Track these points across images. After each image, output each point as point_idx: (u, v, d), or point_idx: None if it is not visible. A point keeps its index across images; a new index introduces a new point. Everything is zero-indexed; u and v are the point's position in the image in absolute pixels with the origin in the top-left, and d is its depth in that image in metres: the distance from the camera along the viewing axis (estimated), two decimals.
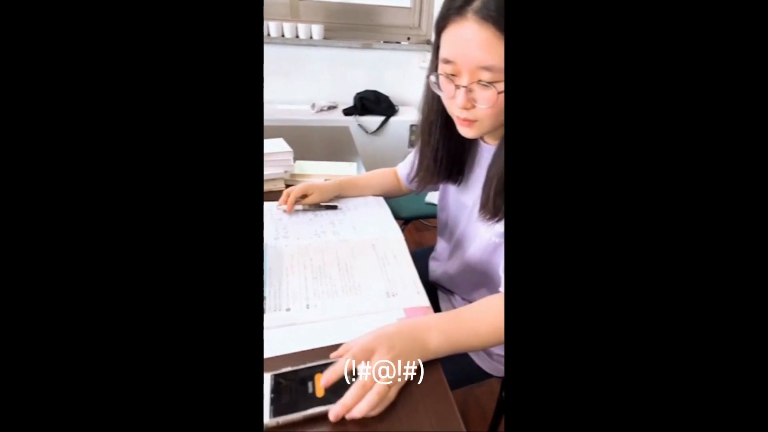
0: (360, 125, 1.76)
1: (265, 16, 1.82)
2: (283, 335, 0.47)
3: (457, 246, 0.72)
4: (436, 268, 0.81)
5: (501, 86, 0.45)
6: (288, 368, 0.41)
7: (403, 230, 1.31)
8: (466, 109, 0.48)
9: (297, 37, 1.80)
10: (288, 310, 0.51)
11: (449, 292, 0.77)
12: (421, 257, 0.86)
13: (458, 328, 0.48)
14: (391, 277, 0.58)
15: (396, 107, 1.86)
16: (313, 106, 1.80)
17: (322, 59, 1.87)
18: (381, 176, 0.84)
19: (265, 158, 0.85)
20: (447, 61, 0.47)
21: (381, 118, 1.78)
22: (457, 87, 0.47)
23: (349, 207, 0.78)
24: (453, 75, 0.47)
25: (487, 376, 0.67)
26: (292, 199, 0.72)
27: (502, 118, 0.48)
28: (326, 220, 0.72)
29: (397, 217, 1.32)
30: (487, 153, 0.60)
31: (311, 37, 1.81)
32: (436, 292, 0.81)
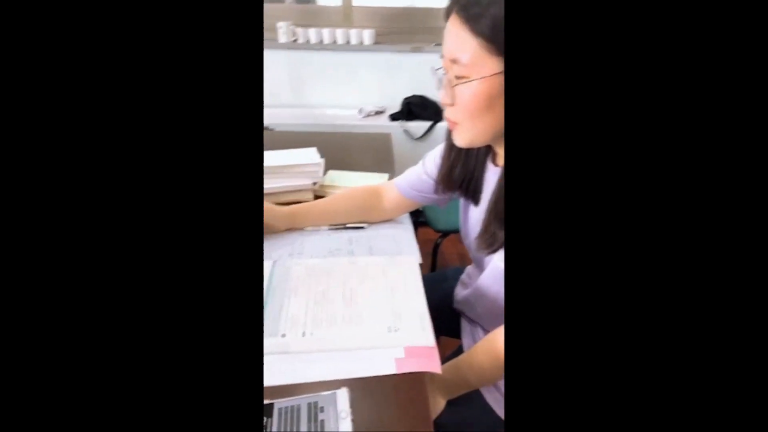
0: (406, 131, 1.72)
1: (318, 23, 1.86)
2: (273, 364, 0.46)
3: (476, 270, 0.66)
4: (459, 292, 0.75)
5: (472, 85, 0.44)
6: (270, 400, 0.39)
7: (439, 243, 1.28)
8: (446, 105, 0.48)
9: (348, 43, 1.81)
10: (283, 336, 0.49)
11: (473, 321, 0.71)
12: (451, 278, 0.81)
13: (459, 381, 0.47)
14: (397, 309, 0.53)
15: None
16: (360, 111, 1.80)
17: (371, 64, 1.86)
18: (348, 199, 0.73)
19: (293, 170, 0.85)
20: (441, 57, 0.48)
21: (427, 124, 1.72)
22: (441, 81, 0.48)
23: (373, 224, 0.75)
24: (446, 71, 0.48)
25: None
26: None
27: (480, 125, 0.47)
28: (344, 238, 0.70)
29: (434, 229, 1.28)
30: (492, 175, 0.54)
31: (362, 43, 1.81)
32: (459, 320, 0.75)
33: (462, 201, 0.64)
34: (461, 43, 0.43)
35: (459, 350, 0.72)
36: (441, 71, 0.48)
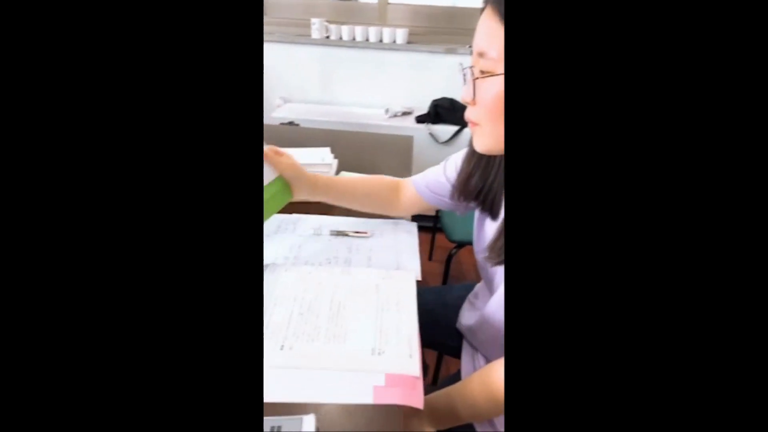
0: (431, 134, 1.67)
1: (353, 20, 1.84)
2: None
3: (484, 289, 0.61)
4: (464, 312, 0.70)
5: (496, 81, 0.42)
6: None
7: (453, 254, 1.22)
8: (467, 102, 0.45)
9: (381, 41, 1.78)
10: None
11: (474, 348, 0.65)
12: (458, 294, 0.76)
13: (449, 412, 0.47)
14: (385, 329, 0.49)
15: None
16: (386, 111, 1.77)
17: (403, 63, 1.82)
18: (367, 186, 0.69)
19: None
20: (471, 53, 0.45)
21: (454, 128, 1.66)
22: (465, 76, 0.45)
23: (377, 231, 0.71)
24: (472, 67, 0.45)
25: None
26: (270, 154, 0.61)
27: (501, 129, 0.43)
28: (344, 245, 0.67)
29: (449, 239, 1.22)
30: None
31: (394, 41, 1.77)
32: (462, 340, 0.70)
33: (477, 212, 0.59)
34: (492, 35, 0.41)
35: (457, 375, 0.67)
36: (468, 69, 0.45)
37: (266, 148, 0.61)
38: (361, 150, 1.16)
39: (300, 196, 0.64)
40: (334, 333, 0.48)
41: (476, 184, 0.56)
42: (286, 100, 1.97)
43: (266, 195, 0.58)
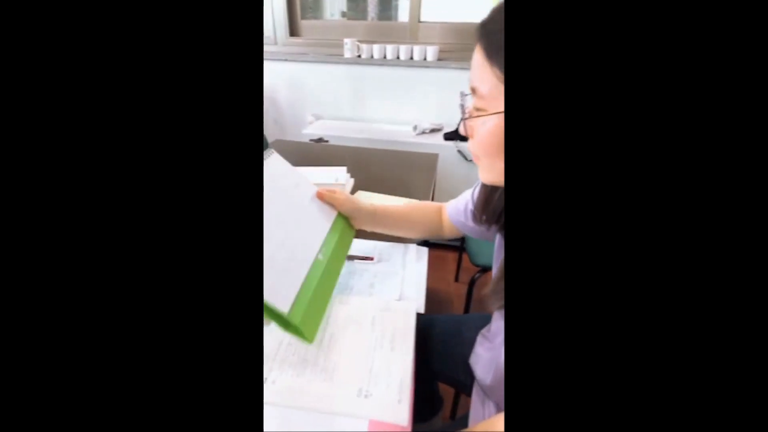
0: (459, 151, 1.62)
1: (386, 39, 1.85)
2: None
3: (498, 325, 0.56)
4: (477, 347, 0.64)
5: (488, 120, 0.39)
6: None
7: (476, 279, 1.15)
8: (466, 135, 0.44)
9: (411, 58, 1.77)
10: None
11: (486, 393, 0.59)
12: (475, 325, 0.70)
13: None
14: (376, 369, 0.45)
15: None
16: (414, 128, 1.75)
17: (433, 81, 1.80)
18: (422, 211, 0.69)
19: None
20: None
21: None
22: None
23: (384, 255, 0.68)
24: None
25: None
26: (325, 194, 0.63)
27: (499, 166, 0.42)
28: (347, 269, 0.64)
29: (472, 263, 1.16)
30: None
31: (425, 59, 1.76)
32: (474, 379, 0.64)
33: (498, 238, 0.55)
34: (481, 72, 0.39)
35: (464, 419, 0.61)
36: (469, 98, 0.43)
37: (319, 189, 0.63)
38: (386, 166, 1.14)
39: (360, 227, 0.65)
40: (322, 368, 0.45)
41: (496, 207, 0.52)
42: (317, 117, 2.01)
43: (335, 234, 0.59)
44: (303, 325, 0.45)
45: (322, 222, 0.60)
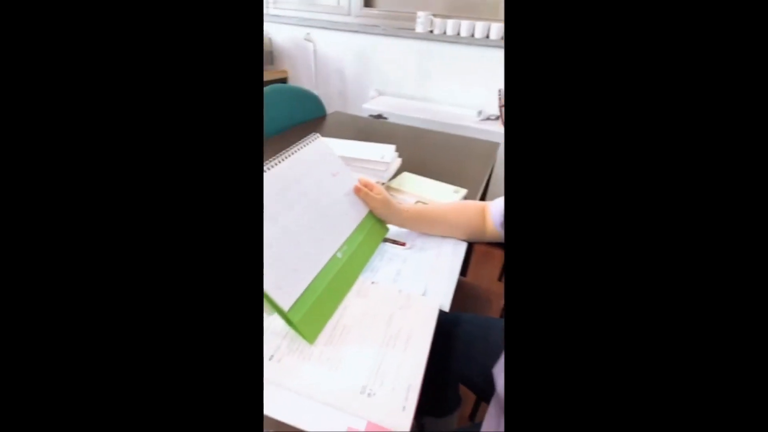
0: None
1: (463, 14, 1.73)
2: None
3: None
4: (502, 357, 0.58)
5: None
6: None
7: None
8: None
9: (487, 37, 1.64)
10: None
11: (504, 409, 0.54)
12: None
13: None
14: (384, 369, 0.42)
15: None
16: (479, 113, 1.63)
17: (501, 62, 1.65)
18: (462, 213, 0.65)
19: (359, 164, 0.78)
20: None
21: None
22: None
23: (418, 242, 0.63)
24: None
25: None
26: (363, 190, 0.61)
27: None
28: (375, 256, 0.60)
29: None
30: None
31: (502, 38, 1.62)
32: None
33: None
34: None
35: (479, 426, 0.56)
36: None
37: (357, 183, 0.61)
38: (440, 150, 1.07)
39: (395, 225, 0.65)
40: (328, 358, 0.43)
41: None
42: (380, 93, 1.97)
43: (361, 233, 0.57)
44: (302, 325, 0.43)
45: (352, 217, 0.57)
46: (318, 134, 0.61)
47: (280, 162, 0.52)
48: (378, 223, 0.62)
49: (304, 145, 0.58)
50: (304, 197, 0.52)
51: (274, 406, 0.38)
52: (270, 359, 0.42)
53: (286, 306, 0.42)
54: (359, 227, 0.57)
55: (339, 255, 0.51)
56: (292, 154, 0.55)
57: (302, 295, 0.44)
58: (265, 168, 0.49)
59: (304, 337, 0.43)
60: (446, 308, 0.50)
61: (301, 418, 0.37)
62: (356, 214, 0.59)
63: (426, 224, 0.64)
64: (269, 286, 0.42)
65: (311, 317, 0.44)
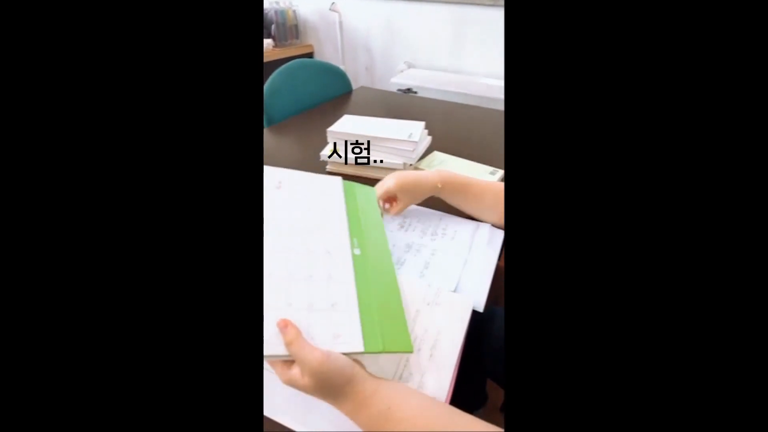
0: None
1: None
2: None
3: None
4: None
5: None
6: None
7: None
8: None
9: None
10: None
11: None
12: None
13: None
14: (405, 379, 0.37)
15: None
16: None
17: None
18: (496, 196, 0.57)
19: (385, 143, 0.72)
20: None
21: None
22: None
23: (449, 231, 0.57)
24: None
25: None
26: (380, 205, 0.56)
27: None
28: (404, 240, 0.55)
29: None
30: None
31: None
32: None
33: None
34: None
35: None
36: None
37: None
38: (474, 127, 0.99)
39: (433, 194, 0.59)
40: None
41: None
42: (410, 65, 1.86)
43: (355, 210, 0.49)
44: (389, 347, 0.35)
45: (335, 209, 0.47)
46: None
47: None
48: (357, 190, 0.52)
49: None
50: (296, 250, 0.41)
51: (286, 408, 0.35)
52: None
53: (359, 347, 0.35)
54: (348, 212, 0.48)
55: (356, 252, 0.43)
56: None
57: (362, 319, 0.37)
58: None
59: (401, 352, 0.36)
60: (480, 307, 0.45)
61: (311, 422, 0.33)
62: (333, 204, 0.48)
63: (460, 199, 0.58)
64: (326, 344, 0.33)
65: (389, 331, 0.37)
